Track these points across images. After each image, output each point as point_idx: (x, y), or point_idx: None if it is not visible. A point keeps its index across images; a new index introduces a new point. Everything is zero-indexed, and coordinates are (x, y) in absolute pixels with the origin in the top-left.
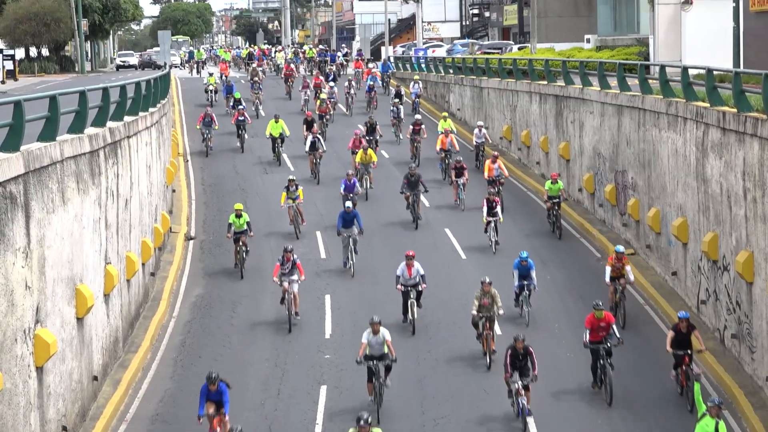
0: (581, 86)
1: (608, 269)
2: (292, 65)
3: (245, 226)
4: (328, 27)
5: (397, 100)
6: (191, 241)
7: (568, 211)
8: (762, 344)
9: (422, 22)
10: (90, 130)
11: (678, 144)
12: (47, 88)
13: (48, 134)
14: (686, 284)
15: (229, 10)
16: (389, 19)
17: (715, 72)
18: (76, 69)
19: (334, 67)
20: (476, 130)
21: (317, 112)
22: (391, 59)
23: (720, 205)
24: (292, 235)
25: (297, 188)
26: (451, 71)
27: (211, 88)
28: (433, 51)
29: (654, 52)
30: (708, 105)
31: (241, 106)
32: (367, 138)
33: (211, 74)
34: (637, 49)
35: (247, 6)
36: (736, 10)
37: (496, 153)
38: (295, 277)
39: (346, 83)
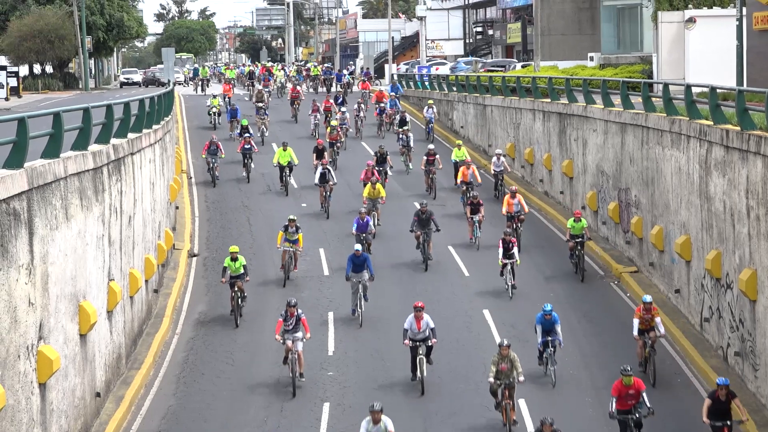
0: (584, 104)
1: (636, 322)
2: (299, 87)
3: (242, 270)
4: (331, 44)
5: (405, 128)
6: (194, 258)
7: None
8: (765, 362)
9: (426, 39)
10: (94, 147)
11: (681, 162)
12: (51, 105)
13: (52, 151)
14: (689, 302)
15: (233, 28)
16: (393, 37)
17: (718, 90)
18: (80, 86)
19: (341, 88)
20: (494, 158)
21: (327, 140)
22: (395, 77)
23: (723, 223)
24: (293, 281)
25: (297, 231)
26: (454, 89)
27: (214, 110)
28: (437, 69)
29: (657, 70)
30: (711, 123)
31: (247, 134)
32: (377, 168)
33: (214, 96)
34: (641, 67)
35: (251, 23)
36: (739, 28)
37: (514, 187)
38: (299, 334)
39: (356, 106)
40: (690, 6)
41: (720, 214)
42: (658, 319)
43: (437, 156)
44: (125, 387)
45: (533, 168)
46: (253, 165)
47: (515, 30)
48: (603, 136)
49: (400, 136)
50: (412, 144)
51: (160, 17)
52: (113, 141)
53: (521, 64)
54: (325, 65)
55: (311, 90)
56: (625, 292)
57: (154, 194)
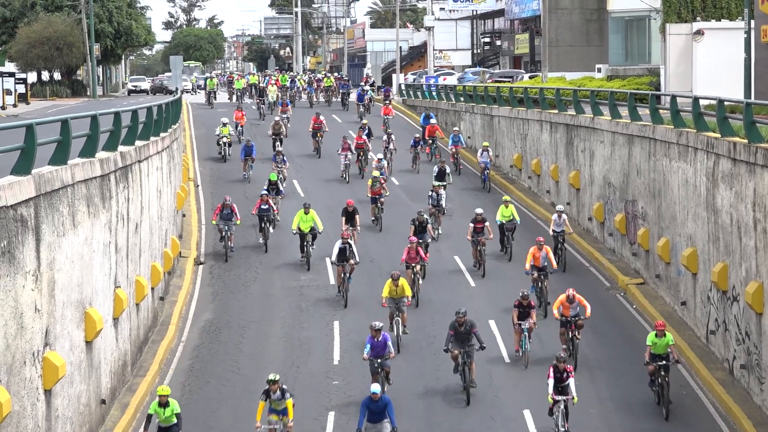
0: (592, 115)
1: None
2: (322, 117)
3: (174, 420)
4: (339, 54)
5: (442, 182)
6: (200, 266)
7: (576, 240)
8: None
9: (433, 49)
10: (101, 154)
11: (688, 174)
12: (59, 112)
13: (59, 158)
14: (695, 314)
15: (241, 36)
16: (401, 47)
17: (726, 103)
18: (88, 93)
19: (363, 108)
20: (555, 216)
21: (369, 194)
22: (401, 85)
23: (730, 236)
24: None
25: (284, 396)
26: (462, 99)
27: (224, 140)
28: (444, 79)
29: (665, 82)
30: (719, 135)
31: (264, 192)
32: (419, 241)
33: (224, 124)
34: (648, 79)
35: (259, 32)
36: (747, 41)
37: (572, 290)
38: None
39: (385, 137)
40: (698, 18)
41: (727, 227)
42: None
43: (487, 223)
44: (130, 394)
45: (540, 179)
46: (271, 229)
47: (523, 41)
48: (610, 148)
49: (431, 192)
50: (444, 203)
51: (168, 25)
52: (121, 148)
53: (529, 75)
54: (336, 75)
55: (323, 101)
56: (631, 304)
57: (161, 202)
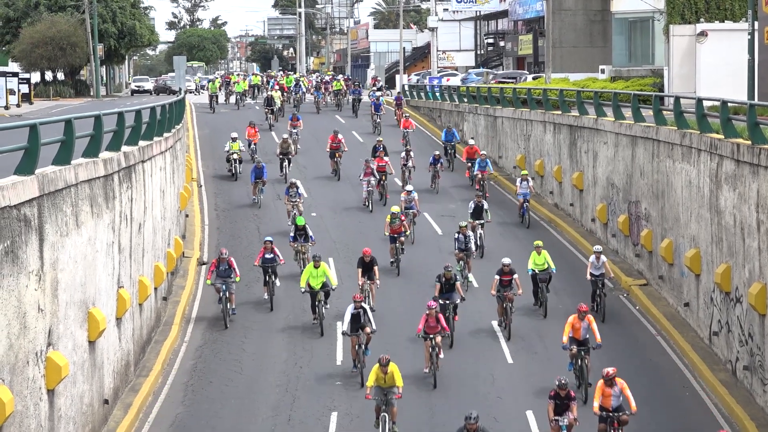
0: (595, 116)
1: None
2: (340, 135)
3: None
4: (343, 54)
5: (478, 221)
6: (203, 266)
7: (581, 242)
8: None
9: (437, 50)
10: (105, 154)
11: (692, 175)
12: (62, 112)
13: (63, 158)
14: (698, 315)
15: (245, 37)
16: (404, 48)
17: (729, 104)
18: (91, 93)
19: (379, 119)
20: (592, 258)
21: (388, 233)
22: (409, 95)
23: (733, 237)
24: None
25: None
26: (465, 100)
27: (234, 156)
28: (448, 80)
29: (668, 83)
30: (722, 137)
31: (267, 239)
32: (445, 301)
33: (234, 140)
34: (652, 80)
35: (263, 33)
36: (750, 42)
37: (612, 370)
38: None
39: (403, 154)
40: (702, 19)
41: (730, 228)
42: None
43: (516, 276)
44: (133, 394)
45: (543, 180)
46: (278, 282)
47: (526, 42)
48: (613, 149)
49: (457, 234)
50: (472, 246)
51: (171, 26)
52: (124, 148)
53: (532, 75)
54: (345, 77)
55: (331, 101)
56: (634, 305)
57: (165, 202)
